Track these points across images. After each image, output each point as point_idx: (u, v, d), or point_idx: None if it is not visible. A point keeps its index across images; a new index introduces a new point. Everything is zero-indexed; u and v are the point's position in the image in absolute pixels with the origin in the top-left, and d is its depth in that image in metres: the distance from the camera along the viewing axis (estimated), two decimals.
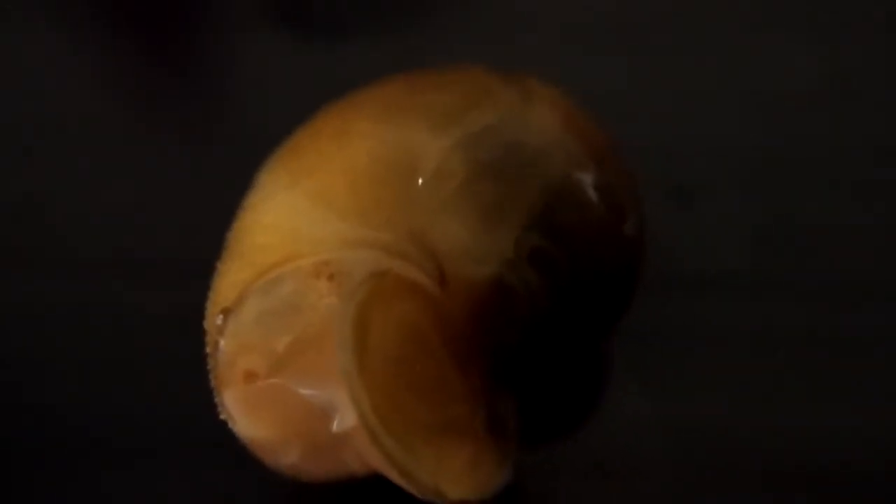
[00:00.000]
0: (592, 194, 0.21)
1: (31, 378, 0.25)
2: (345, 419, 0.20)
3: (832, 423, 0.24)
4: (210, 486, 0.23)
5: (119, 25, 0.34)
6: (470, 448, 0.19)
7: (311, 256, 0.20)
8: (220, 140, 0.31)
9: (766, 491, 0.23)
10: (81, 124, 0.31)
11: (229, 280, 0.21)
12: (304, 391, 0.20)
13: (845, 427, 0.24)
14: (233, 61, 0.33)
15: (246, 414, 0.20)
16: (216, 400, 0.21)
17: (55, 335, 0.26)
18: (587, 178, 0.21)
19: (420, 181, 0.21)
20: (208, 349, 0.21)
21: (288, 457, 0.21)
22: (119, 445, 0.24)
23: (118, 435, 0.24)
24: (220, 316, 0.20)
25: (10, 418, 0.25)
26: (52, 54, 0.33)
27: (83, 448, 0.24)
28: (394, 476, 0.19)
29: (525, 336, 0.21)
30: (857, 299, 0.26)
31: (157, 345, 0.25)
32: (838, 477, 0.23)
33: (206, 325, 0.21)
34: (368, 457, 0.20)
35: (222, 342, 0.20)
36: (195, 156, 0.30)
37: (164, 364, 0.25)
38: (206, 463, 0.23)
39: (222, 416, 0.21)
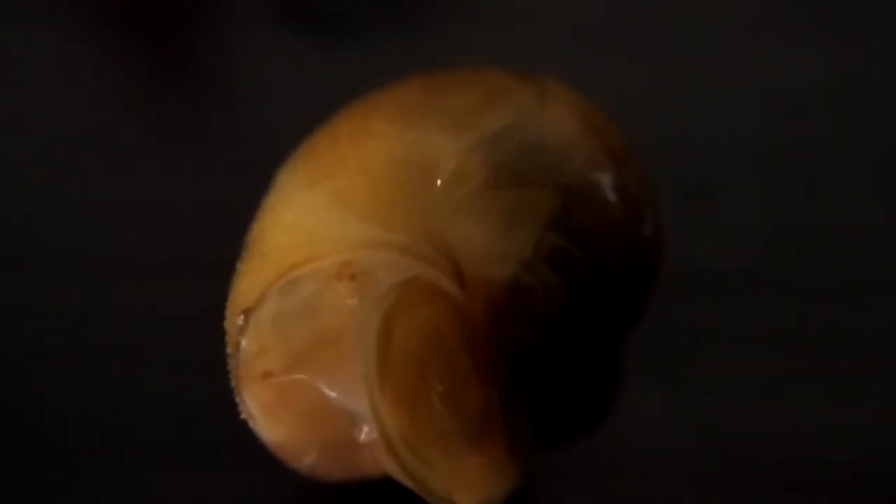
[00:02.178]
0: (610, 195, 0.21)
1: (39, 378, 0.25)
2: (366, 427, 0.20)
3: (849, 422, 0.24)
4: (222, 485, 0.23)
5: (125, 25, 0.34)
6: (485, 454, 0.20)
7: (331, 257, 0.20)
8: (228, 140, 0.31)
9: (781, 490, 0.23)
10: (90, 125, 0.31)
11: (250, 280, 0.21)
12: (323, 391, 0.20)
13: (861, 427, 0.24)
14: (244, 62, 0.33)
15: (266, 413, 0.20)
16: (237, 399, 0.21)
17: (64, 335, 0.26)
18: (605, 179, 0.21)
19: (438, 182, 0.21)
20: (229, 349, 0.21)
21: (307, 457, 0.21)
22: (129, 446, 0.24)
23: (128, 435, 0.24)
24: (242, 316, 0.20)
25: (19, 418, 0.25)
26: (53, 55, 0.33)
27: (90, 448, 0.24)
28: (409, 484, 0.19)
29: (543, 337, 0.21)
30: (874, 299, 0.26)
31: (170, 345, 0.25)
32: (853, 476, 0.23)
33: (227, 325, 0.21)
34: (385, 464, 0.20)
35: (244, 342, 0.20)
36: (204, 156, 0.30)
37: (177, 364, 0.25)
38: (219, 463, 0.23)
39: (243, 416, 0.21)
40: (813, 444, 0.24)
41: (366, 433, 0.20)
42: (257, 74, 0.32)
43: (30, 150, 0.30)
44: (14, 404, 0.25)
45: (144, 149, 0.30)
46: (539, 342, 0.21)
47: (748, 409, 0.24)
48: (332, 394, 0.20)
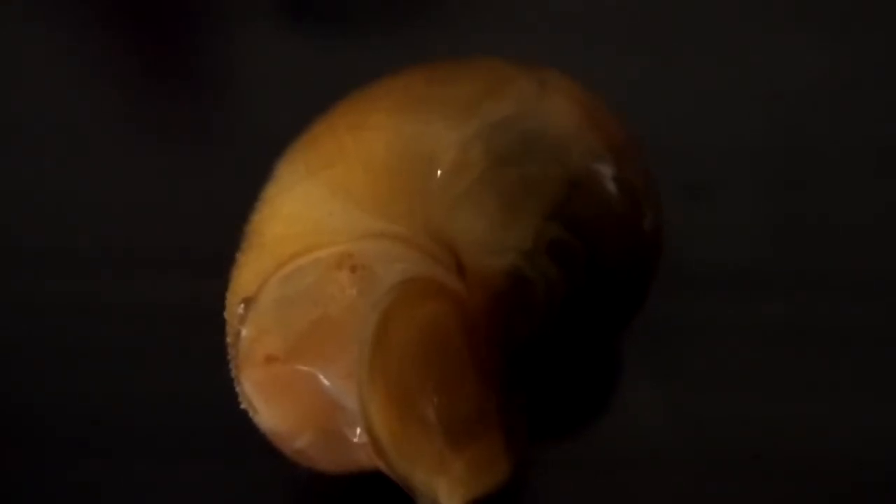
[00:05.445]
0: (611, 186, 0.21)
1: (40, 371, 0.25)
2: (358, 428, 0.20)
3: (848, 417, 0.24)
4: (222, 477, 0.23)
5: (124, 22, 0.34)
6: (477, 449, 0.20)
7: (332, 247, 0.20)
8: (227, 136, 0.31)
9: (778, 485, 0.23)
10: (89, 120, 0.31)
11: (250, 270, 0.21)
12: (321, 382, 0.20)
13: (861, 421, 0.24)
14: (243, 57, 0.33)
15: (264, 399, 0.20)
16: (236, 389, 0.21)
17: (64, 329, 0.26)
18: (606, 171, 0.21)
19: (438, 173, 0.21)
20: (229, 339, 0.21)
21: (304, 446, 0.21)
22: (128, 439, 0.24)
23: (128, 428, 0.24)
24: (242, 305, 0.20)
25: (18, 411, 0.25)
26: (52, 51, 0.33)
27: (91, 440, 0.24)
28: (396, 481, 0.19)
29: (541, 329, 0.21)
30: (873, 295, 0.26)
31: (170, 338, 0.25)
32: (853, 469, 0.23)
33: (227, 315, 0.21)
34: (374, 459, 0.20)
35: (244, 331, 0.20)
36: (203, 151, 0.30)
37: (177, 357, 0.25)
38: (219, 455, 0.23)
39: (242, 405, 0.21)
40: (810, 439, 0.24)
41: (359, 434, 0.20)
42: (256, 70, 0.32)
43: (30, 146, 0.30)
44: (13, 397, 0.25)
45: (144, 144, 0.30)
46: (537, 334, 0.21)
47: (745, 404, 0.24)
48: (329, 386, 0.20)
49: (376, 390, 0.19)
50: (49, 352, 0.25)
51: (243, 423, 0.21)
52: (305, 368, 0.20)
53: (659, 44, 0.32)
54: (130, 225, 0.28)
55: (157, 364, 0.25)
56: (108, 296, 0.26)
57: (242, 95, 0.32)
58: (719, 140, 0.29)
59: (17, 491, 0.23)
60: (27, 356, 0.25)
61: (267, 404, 0.20)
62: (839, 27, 0.33)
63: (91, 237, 0.28)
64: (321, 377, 0.20)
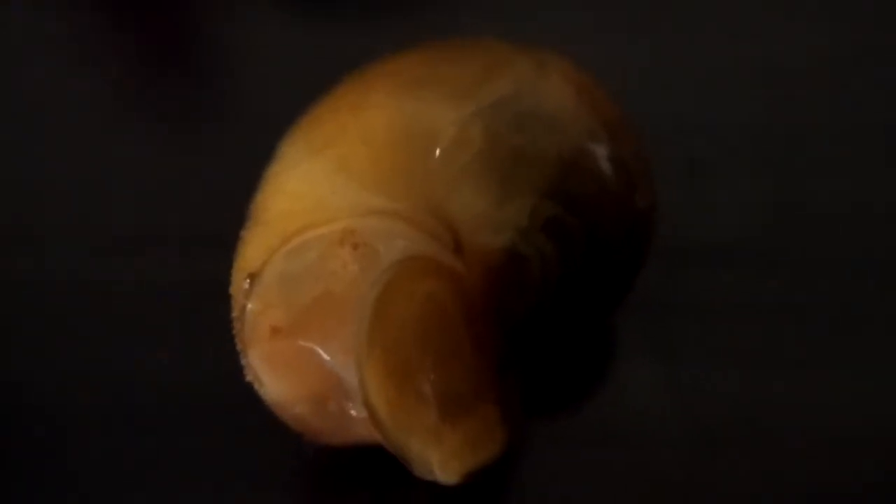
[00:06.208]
0: (606, 165, 0.22)
1: (43, 352, 0.25)
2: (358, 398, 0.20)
3: (842, 392, 0.24)
4: (228, 453, 0.24)
5: (124, 3, 0.34)
6: (473, 423, 0.20)
7: (334, 223, 0.21)
8: (227, 118, 0.31)
9: (773, 460, 0.23)
10: (90, 104, 0.31)
11: (255, 246, 0.21)
12: (324, 354, 0.20)
13: (856, 395, 0.24)
14: (243, 40, 0.33)
15: (270, 371, 0.21)
16: (242, 362, 0.21)
17: (70, 308, 0.26)
18: (601, 150, 0.22)
19: (437, 151, 0.21)
20: (235, 314, 0.21)
21: (309, 417, 0.21)
22: (135, 416, 0.24)
23: (132, 406, 0.24)
24: (247, 280, 0.21)
25: (20, 389, 0.25)
26: (51, 34, 0.33)
27: (93, 416, 0.24)
28: (394, 453, 0.20)
29: (537, 305, 0.21)
30: (870, 272, 0.26)
31: (175, 317, 0.26)
32: (847, 444, 0.23)
33: (232, 290, 0.21)
34: (373, 432, 0.20)
35: (249, 304, 0.21)
36: (205, 132, 0.31)
37: (183, 336, 0.25)
38: (224, 432, 0.24)
39: (248, 378, 0.21)
40: (805, 417, 0.24)
41: (359, 407, 0.20)
42: (257, 54, 0.32)
43: (34, 129, 0.30)
44: (13, 375, 0.25)
45: (145, 127, 0.31)
46: (534, 311, 0.21)
47: (740, 381, 0.24)
48: (330, 360, 0.20)
49: (374, 361, 0.19)
50: (53, 332, 0.26)
51: (249, 399, 0.21)
52: (307, 344, 0.20)
53: (659, 24, 0.32)
54: (137, 207, 0.28)
55: (162, 342, 0.25)
56: (114, 276, 0.27)
57: (243, 79, 0.32)
58: (718, 119, 0.30)
59: (19, 472, 0.23)
60: (31, 337, 0.26)
61: (273, 376, 0.21)
62: (839, 6, 0.33)
63: (97, 220, 0.28)
64: (322, 352, 0.20)
